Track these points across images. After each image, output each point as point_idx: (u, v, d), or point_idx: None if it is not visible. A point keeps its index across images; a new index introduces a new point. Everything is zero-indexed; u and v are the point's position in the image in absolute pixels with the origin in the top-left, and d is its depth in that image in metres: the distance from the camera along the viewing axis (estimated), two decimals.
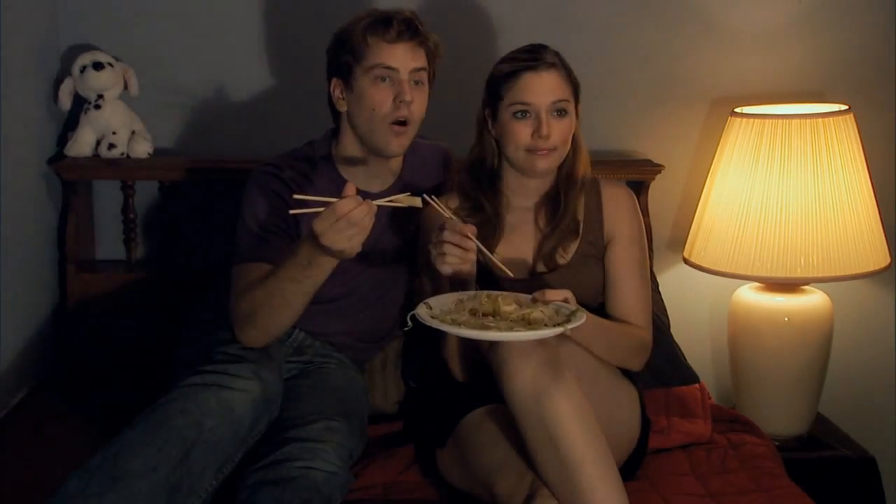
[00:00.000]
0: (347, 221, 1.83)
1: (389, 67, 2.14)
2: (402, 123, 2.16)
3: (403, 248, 2.33)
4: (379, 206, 1.89)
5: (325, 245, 1.86)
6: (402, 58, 2.15)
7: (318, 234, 1.85)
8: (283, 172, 2.19)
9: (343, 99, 2.21)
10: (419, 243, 2.25)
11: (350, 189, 1.87)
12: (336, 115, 2.26)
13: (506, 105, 2.13)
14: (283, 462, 1.94)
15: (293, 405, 2.10)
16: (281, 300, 2.00)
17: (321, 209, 1.86)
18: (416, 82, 2.17)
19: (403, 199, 1.97)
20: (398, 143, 2.18)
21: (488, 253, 1.98)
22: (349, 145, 2.24)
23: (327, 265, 1.95)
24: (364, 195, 2.14)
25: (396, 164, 2.30)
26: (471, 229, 1.96)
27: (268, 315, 2.02)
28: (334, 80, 2.22)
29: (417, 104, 2.17)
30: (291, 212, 1.96)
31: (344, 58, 2.18)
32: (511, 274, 2.00)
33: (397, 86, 2.15)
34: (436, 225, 2.08)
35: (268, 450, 1.98)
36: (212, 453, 1.91)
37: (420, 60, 2.18)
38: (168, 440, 1.87)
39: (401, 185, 2.30)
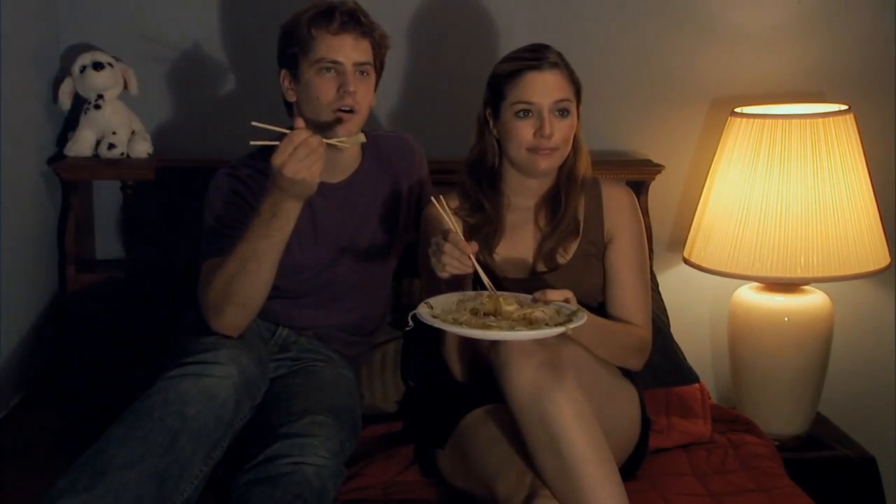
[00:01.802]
0: (305, 147, 1.92)
1: (334, 60, 2.18)
2: (348, 111, 2.20)
3: (376, 237, 2.35)
4: (329, 145, 2.01)
5: (288, 177, 1.92)
6: (346, 49, 2.19)
7: (278, 166, 1.92)
8: (239, 171, 2.24)
9: (291, 89, 2.26)
10: (419, 243, 2.25)
11: (300, 122, 1.98)
12: (289, 106, 2.30)
13: (508, 104, 2.13)
14: (273, 460, 1.96)
15: (282, 404, 2.11)
16: (254, 263, 2.03)
17: (277, 142, 1.94)
18: (361, 72, 2.21)
19: (350, 140, 2.12)
20: (345, 129, 2.20)
21: (483, 274, 1.98)
22: None
23: (292, 211, 2.00)
24: (325, 186, 2.16)
25: (354, 154, 2.32)
26: (473, 248, 1.96)
27: (242, 284, 2.05)
28: (283, 72, 2.27)
29: (361, 94, 2.21)
30: (252, 143, 2.03)
31: (290, 49, 2.23)
32: (496, 296, 1.99)
33: (341, 76, 2.19)
34: (437, 227, 2.09)
35: (257, 449, 1.99)
36: (198, 440, 1.92)
37: (364, 51, 2.22)
38: (152, 430, 1.89)
39: (363, 175, 2.32)
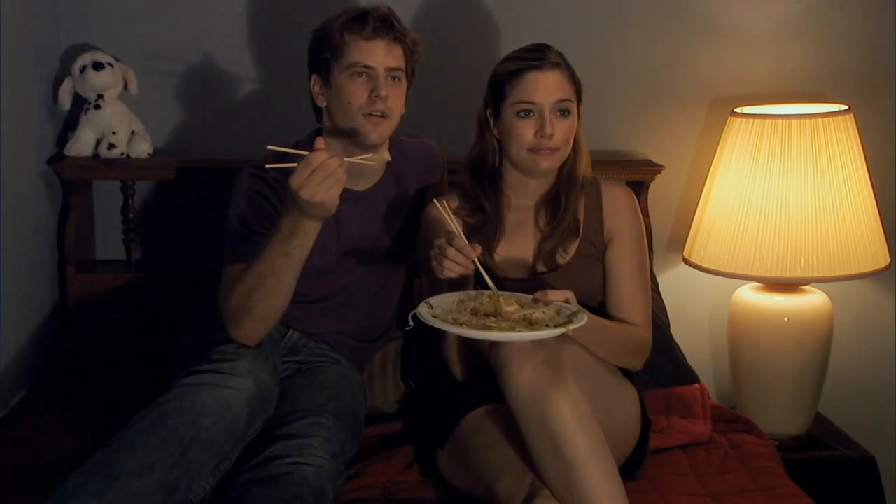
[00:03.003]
0: (323, 171, 1.89)
1: (366, 66, 2.17)
2: (379, 116, 2.18)
3: (395, 246, 2.34)
4: (350, 164, 1.95)
5: (305, 199, 1.90)
6: (379, 55, 2.18)
7: (295, 189, 1.90)
8: (266, 173, 2.20)
9: (322, 95, 2.24)
10: (419, 243, 2.26)
11: (321, 143, 1.94)
12: (318, 111, 2.29)
13: (509, 104, 2.13)
14: (272, 460, 1.96)
15: (286, 404, 2.11)
16: (272, 280, 2.02)
17: (296, 164, 1.92)
18: (393, 78, 2.20)
19: (374, 157, 2.07)
20: (377, 132, 2.19)
21: (487, 277, 1.98)
22: (331, 141, 2.24)
23: (311, 230, 1.98)
24: (351, 194, 2.16)
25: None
26: (476, 251, 1.95)
27: (261, 299, 2.03)
28: (314, 77, 2.25)
29: (394, 99, 2.19)
30: (268, 165, 2.01)
31: (323, 55, 2.21)
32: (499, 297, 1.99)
33: (374, 81, 2.18)
34: (439, 228, 2.08)
35: (257, 449, 1.99)
36: (209, 451, 1.92)
37: (396, 57, 2.20)
38: (165, 439, 1.88)
39: (388, 184, 2.31)
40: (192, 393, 1.94)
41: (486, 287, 1.97)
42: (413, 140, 2.42)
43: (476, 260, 1.95)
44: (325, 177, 1.89)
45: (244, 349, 2.06)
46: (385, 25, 2.18)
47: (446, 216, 2.02)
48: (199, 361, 2.01)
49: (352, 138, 2.21)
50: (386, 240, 2.33)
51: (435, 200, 2.06)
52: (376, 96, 2.16)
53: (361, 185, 2.28)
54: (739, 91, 2.91)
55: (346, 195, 1.99)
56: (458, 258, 1.94)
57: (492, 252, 2.19)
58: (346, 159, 1.93)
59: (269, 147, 1.96)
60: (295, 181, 1.90)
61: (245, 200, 2.21)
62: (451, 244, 1.95)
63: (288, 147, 2.30)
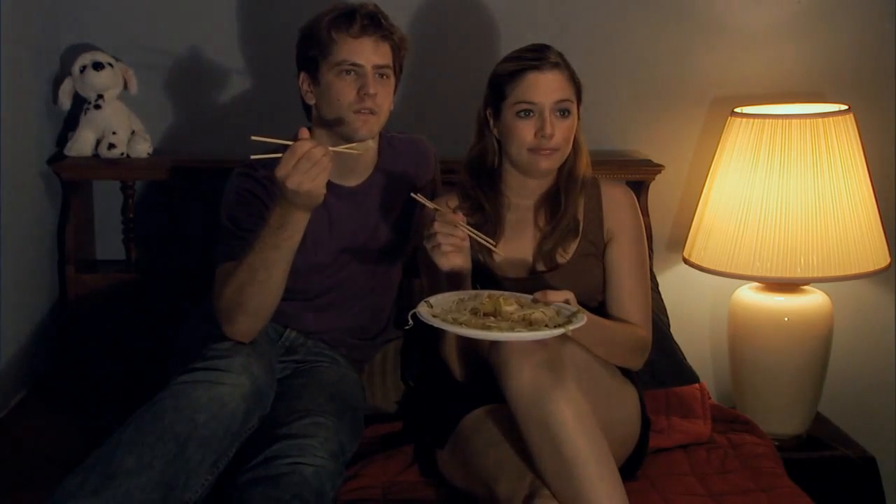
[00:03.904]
0: (308, 160, 1.90)
1: (354, 63, 2.17)
2: (368, 113, 2.19)
3: (389, 240, 2.35)
4: (336, 154, 1.97)
5: (291, 189, 1.91)
6: (366, 53, 2.18)
7: (281, 179, 1.91)
8: (256, 172, 2.21)
9: (311, 92, 2.25)
10: (418, 243, 2.26)
11: (304, 133, 1.95)
12: (307, 109, 2.29)
13: (509, 104, 2.13)
14: (272, 460, 1.96)
15: (284, 403, 2.11)
16: (263, 273, 2.02)
17: (280, 155, 1.92)
18: (381, 75, 2.20)
19: (359, 147, 2.09)
20: (366, 129, 2.20)
21: (478, 233, 1.99)
22: (321, 138, 2.24)
23: (299, 221, 1.99)
24: (342, 189, 2.15)
25: (370, 157, 2.31)
26: (459, 217, 1.98)
27: (253, 294, 2.04)
28: (302, 74, 2.26)
29: (382, 96, 2.20)
30: (253, 157, 2.01)
31: (310, 53, 2.22)
32: (499, 252, 2.04)
33: (361, 79, 2.18)
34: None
35: (257, 449, 2.00)
36: (206, 448, 1.93)
37: (384, 54, 2.21)
38: (162, 437, 1.89)
39: (379, 179, 2.32)
40: (188, 390, 1.94)
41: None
42: (404, 136, 2.43)
43: (465, 226, 1.98)
44: (310, 166, 1.90)
45: (239, 346, 2.06)
46: (372, 23, 2.18)
47: (425, 202, 2.04)
48: (194, 359, 2.02)
49: (341, 135, 2.21)
50: (380, 235, 2.34)
51: (412, 195, 2.08)
52: (364, 94, 2.17)
53: (352, 181, 2.29)
54: (739, 91, 2.91)
55: (338, 191, 2.00)
56: (446, 229, 1.96)
57: (491, 252, 2.19)
58: (330, 148, 1.94)
59: (254, 137, 1.96)
60: (281, 171, 1.90)
61: (236, 199, 2.21)
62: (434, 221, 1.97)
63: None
